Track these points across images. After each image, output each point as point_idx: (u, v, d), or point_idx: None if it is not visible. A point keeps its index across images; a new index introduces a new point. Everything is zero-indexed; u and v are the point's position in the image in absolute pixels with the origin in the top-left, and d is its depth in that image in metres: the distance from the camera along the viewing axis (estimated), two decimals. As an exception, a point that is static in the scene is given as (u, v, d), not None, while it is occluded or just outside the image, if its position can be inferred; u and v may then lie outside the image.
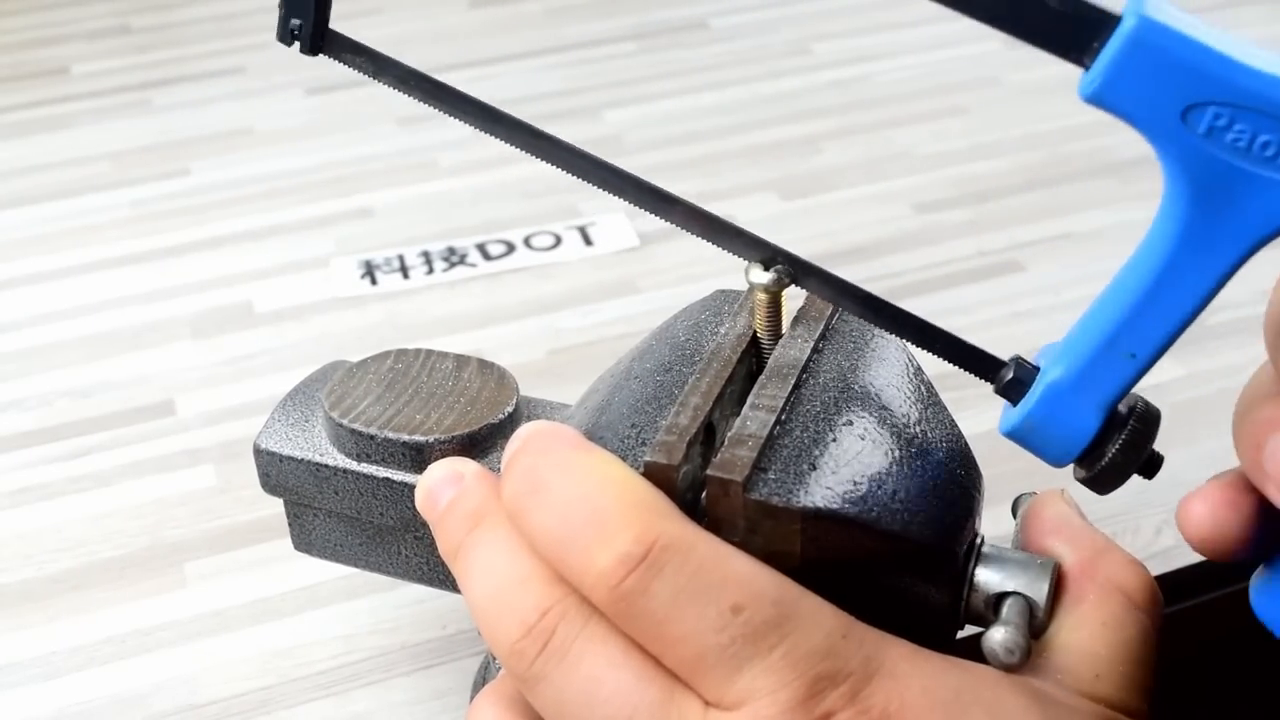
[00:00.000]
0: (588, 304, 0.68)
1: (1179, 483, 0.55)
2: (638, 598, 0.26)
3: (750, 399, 0.32)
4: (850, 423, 0.31)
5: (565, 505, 0.28)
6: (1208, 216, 0.27)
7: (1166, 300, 0.28)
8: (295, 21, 0.32)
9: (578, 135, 0.90)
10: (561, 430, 0.29)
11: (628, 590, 0.26)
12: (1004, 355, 0.32)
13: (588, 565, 0.27)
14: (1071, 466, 0.31)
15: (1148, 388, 0.64)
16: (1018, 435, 0.31)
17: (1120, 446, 0.30)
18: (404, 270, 0.71)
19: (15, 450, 0.60)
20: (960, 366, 0.32)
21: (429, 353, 0.41)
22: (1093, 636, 0.30)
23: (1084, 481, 0.31)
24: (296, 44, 0.32)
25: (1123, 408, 0.30)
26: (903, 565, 0.30)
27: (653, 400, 0.33)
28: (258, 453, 0.41)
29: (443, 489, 0.31)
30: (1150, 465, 0.31)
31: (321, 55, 0.33)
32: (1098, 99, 0.26)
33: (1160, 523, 0.53)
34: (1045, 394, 0.30)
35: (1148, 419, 0.30)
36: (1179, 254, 0.27)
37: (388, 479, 0.39)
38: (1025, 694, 0.28)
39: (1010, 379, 0.31)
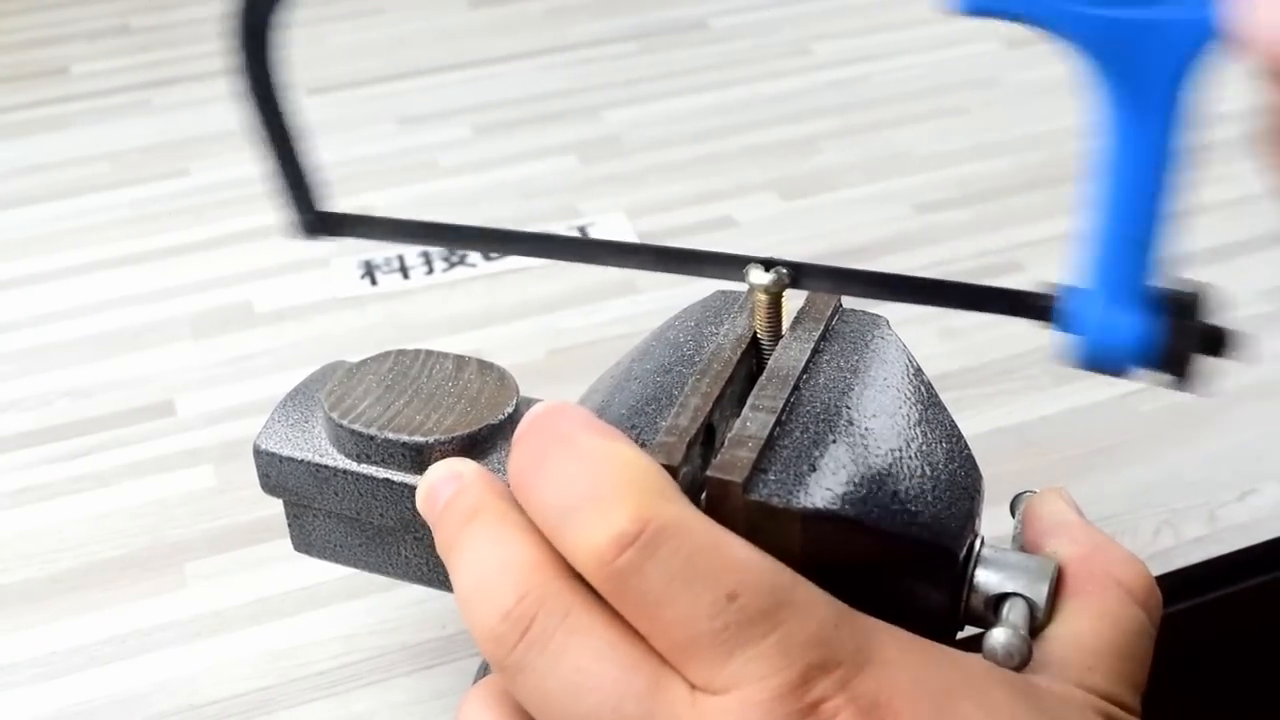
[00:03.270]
0: (588, 304, 0.68)
1: (1179, 483, 0.55)
2: (631, 577, 0.26)
3: (750, 400, 0.32)
4: (850, 423, 0.31)
5: (565, 480, 0.28)
6: (1119, 78, 0.26)
7: (1128, 174, 0.27)
8: (303, 216, 0.34)
9: (578, 135, 0.90)
10: (572, 409, 0.29)
11: (620, 568, 0.26)
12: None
13: (582, 540, 0.27)
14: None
15: (1144, 389, 0.64)
16: (1082, 361, 0.30)
17: (1171, 332, 0.29)
18: (404, 270, 0.71)
19: (15, 450, 0.60)
20: (992, 311, 0.32)
21: (429, 353, 0.41)
22: (1088, 629, 0.30)
23: (1170, 385, 0.30)
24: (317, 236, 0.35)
25: (1165, 296, 0.29)
26: (903, 566, 0.30)
27: (653, 401, 0.33)
28: (257, 453, 0.41)
29: (442, 487, 0.31)
30: (1213, 342, 0.30)
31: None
32: (980, 7, 0.26)
33: (1160, 523, 0.53)
34: (1078, 310, 0.29)
35: (1185, 297, 0.29)
36: (1114, 126, 0.27)
37: (388, 480, 0.39)
38: (1014, 687, 0.28)
39: (1055, 309, 0.30)
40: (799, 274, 0.33)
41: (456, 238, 0.36)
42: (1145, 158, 0.27)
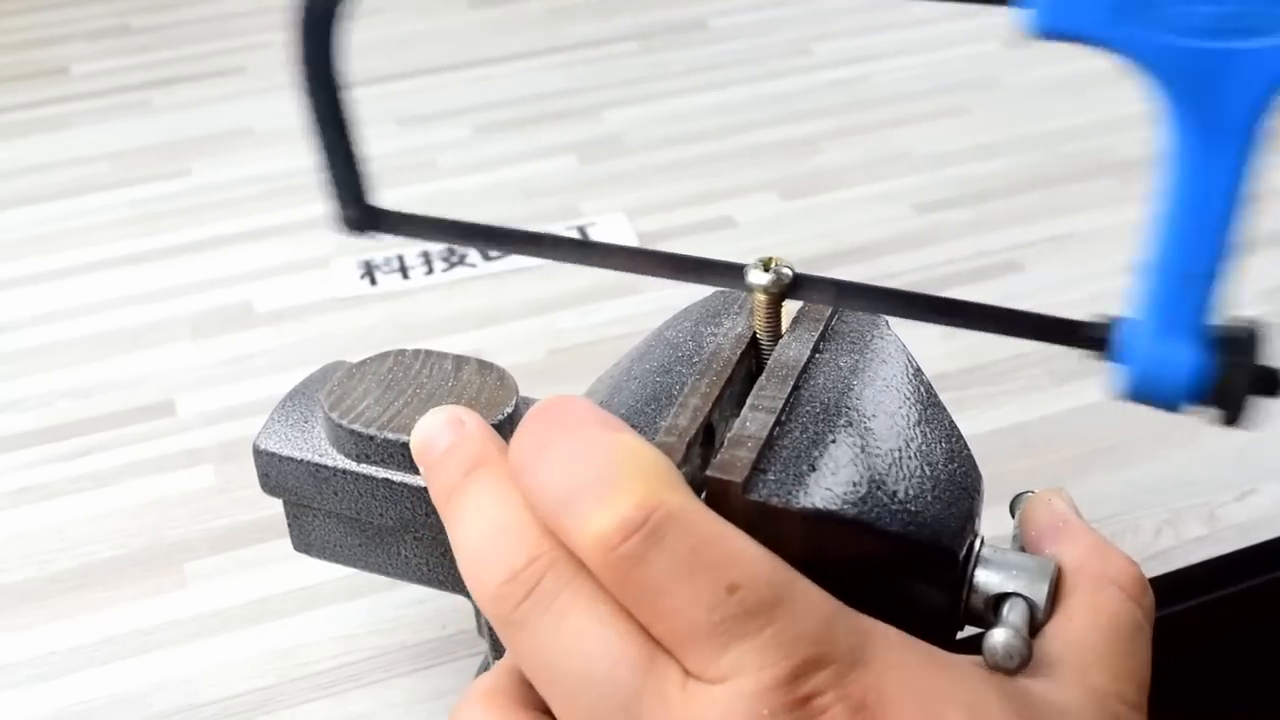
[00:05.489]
0: (587, 304, 0.68)
1: (1179, 482, 0.55)
2: (633, 565, 0.26)
3: (749, 400, 0.32)
4: (849, 423, 0.31)
5: (569, 465, 0.27)
6: (1195, 108, 0.26)
7: (1194, 207, 0.27)
8: (347, 211, 0.33)
9: (578, 135, 0.90)
10: (576, 400, 0.29)
11: (623, 555, 0.26)
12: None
13: (585, 526, 0.27)
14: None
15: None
16: (1129, 394, 0.29)
17: (1224, 370, 0.28)
18: (404, 270, 0.71)
19: (15, 450, 0.60)
20: (1042, 340, 0.31)
21: (428, 353, 0.41)
22: (1084, 627, 0.30)
23: (1218, 420, 0.30)
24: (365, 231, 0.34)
25: (1220, 333, 0.29)
26: (902, 566, 0.30)
27: (652, 401, 0.33)
28: (257, 453, 0.41)
29: (442, 433, 0.30)
30: (1267, 383, 0.29)
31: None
32: (1052, 28, 0.25)
33: (1160, 523, 0.53)
34: (1129, 341, 0.29)
35: (1240, 334, 0.29)
36: (1185, 157, 0.26)
37: (387, 480, 0.39)
38: (1006, 694, 0.28)
39: (1099, 339, 0.30)
40: (841, 294, 0.32)
41: (505, 240, 0.36)
42: (1214, 190, 0.27)
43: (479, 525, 0.28)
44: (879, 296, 0.32)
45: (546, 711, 0.29)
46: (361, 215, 0.34)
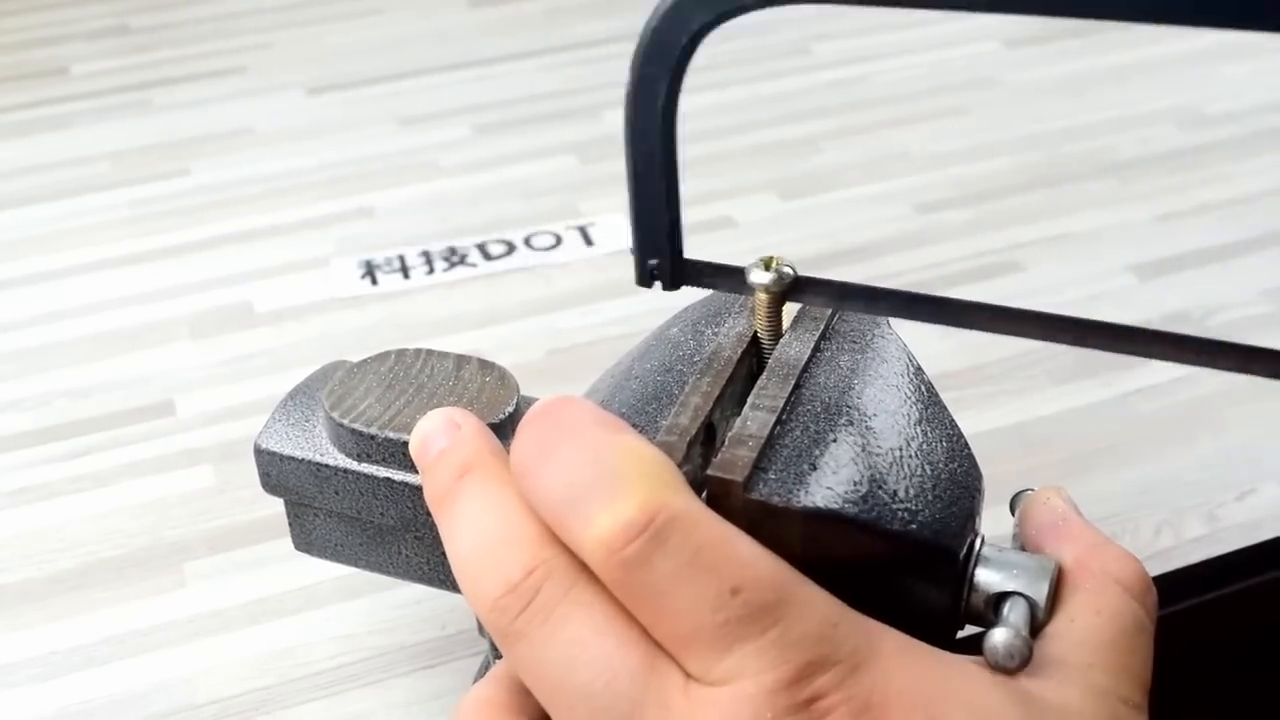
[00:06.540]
0: (588, 304, 0.68)
1: (1179, 483, 0.55)
2: (637, 567, 0.26)
3: (750, 399, 0.32)
4: (850, 422, 0.31)
5: (572, 467, 0.27)
6: None
7: None
8: (652, 262, 0.32)
9: (578, 135, 0.90)
10: (578, 401, 0.29)
11: (628, 558, 0.26)
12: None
13: (588, 528, 0.27)
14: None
15: (1144, 389, 0.64)
16: None
17: None
18: (404, 270, 0.71)
19: (15, 450, 0.60)
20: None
21: (429, 353, 0.41)
22: (1086, 626, 0.30)
23: None
24: (658, 284, 0.33)
25: None
26: (903, 565, 0.30)
27: (653, 400, 0.33)
28: (258, 452, 0.41)
29: (437, 435, 0.30)
30: None
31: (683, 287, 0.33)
32: None
33: (1160, 523, 0.53)
34: None
35: None
36: None
37: (388, 479, 0.39)
38: (1008, 694, 0.28)
39: None
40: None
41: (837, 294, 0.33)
42: None
43: (473, 532, 0.28)
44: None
45: (544, 719, 0.29)
46: (674, 269, 0.32)
